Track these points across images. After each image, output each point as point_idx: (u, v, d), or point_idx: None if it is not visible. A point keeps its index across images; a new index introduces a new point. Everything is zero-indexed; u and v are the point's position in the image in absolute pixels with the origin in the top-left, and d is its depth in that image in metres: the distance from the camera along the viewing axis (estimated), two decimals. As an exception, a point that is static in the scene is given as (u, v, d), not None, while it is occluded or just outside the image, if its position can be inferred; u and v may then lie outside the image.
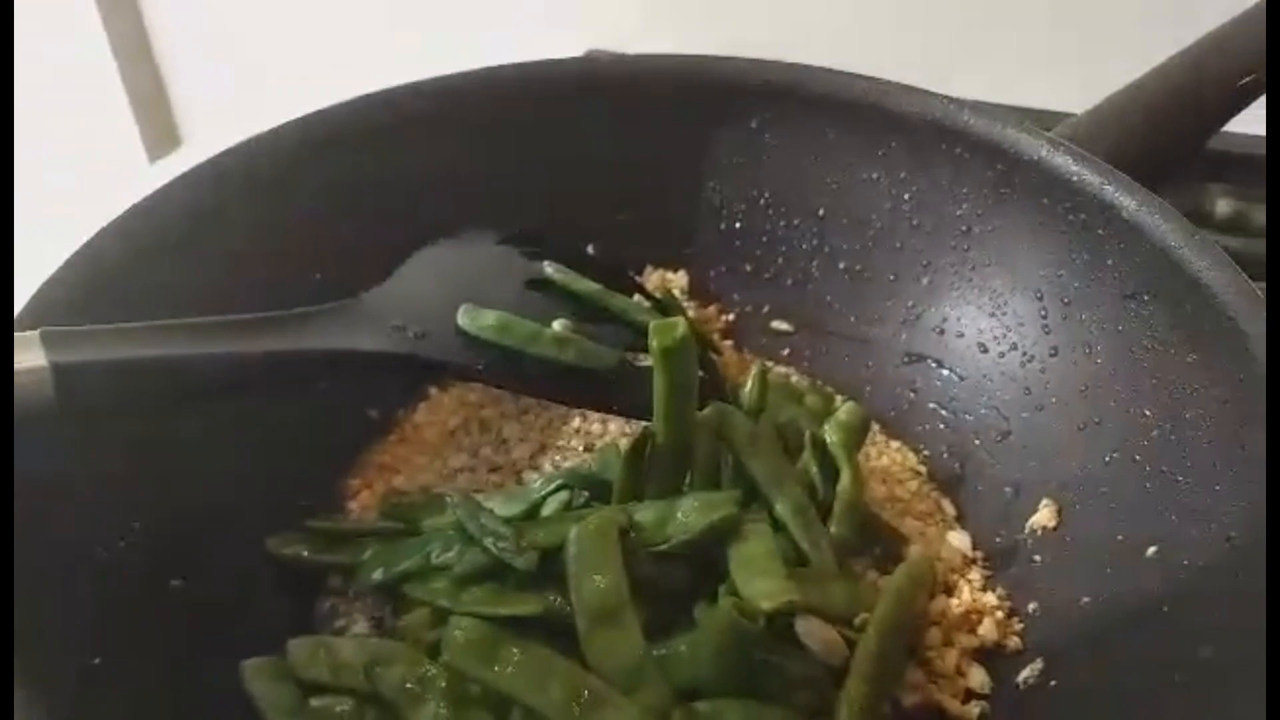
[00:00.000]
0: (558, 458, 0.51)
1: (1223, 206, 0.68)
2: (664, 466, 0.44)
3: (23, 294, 0.43)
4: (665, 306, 0.54)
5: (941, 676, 0.43)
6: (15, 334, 0.39)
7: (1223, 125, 0.56)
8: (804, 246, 0.58)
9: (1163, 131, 0.57)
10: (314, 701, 0.39)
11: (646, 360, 0.44)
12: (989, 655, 0.44)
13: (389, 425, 0.53)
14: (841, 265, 0.57)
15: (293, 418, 0.48)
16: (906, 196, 0.55)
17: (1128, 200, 0.47)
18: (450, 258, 0.51)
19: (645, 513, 0.43)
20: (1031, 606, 0.45)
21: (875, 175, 0.56)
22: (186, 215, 0.48)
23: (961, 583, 0.46)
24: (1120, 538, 0.43)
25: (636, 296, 0.54)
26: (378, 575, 0.43)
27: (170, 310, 0.42)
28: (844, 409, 0.49)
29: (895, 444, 0.53)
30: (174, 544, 0.42)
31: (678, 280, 0.59)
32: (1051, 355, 0.50)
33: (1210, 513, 0.40)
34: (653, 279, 0.59)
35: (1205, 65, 0.56)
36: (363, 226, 0.53)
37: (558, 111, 0.57)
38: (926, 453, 0.53)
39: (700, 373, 0.46)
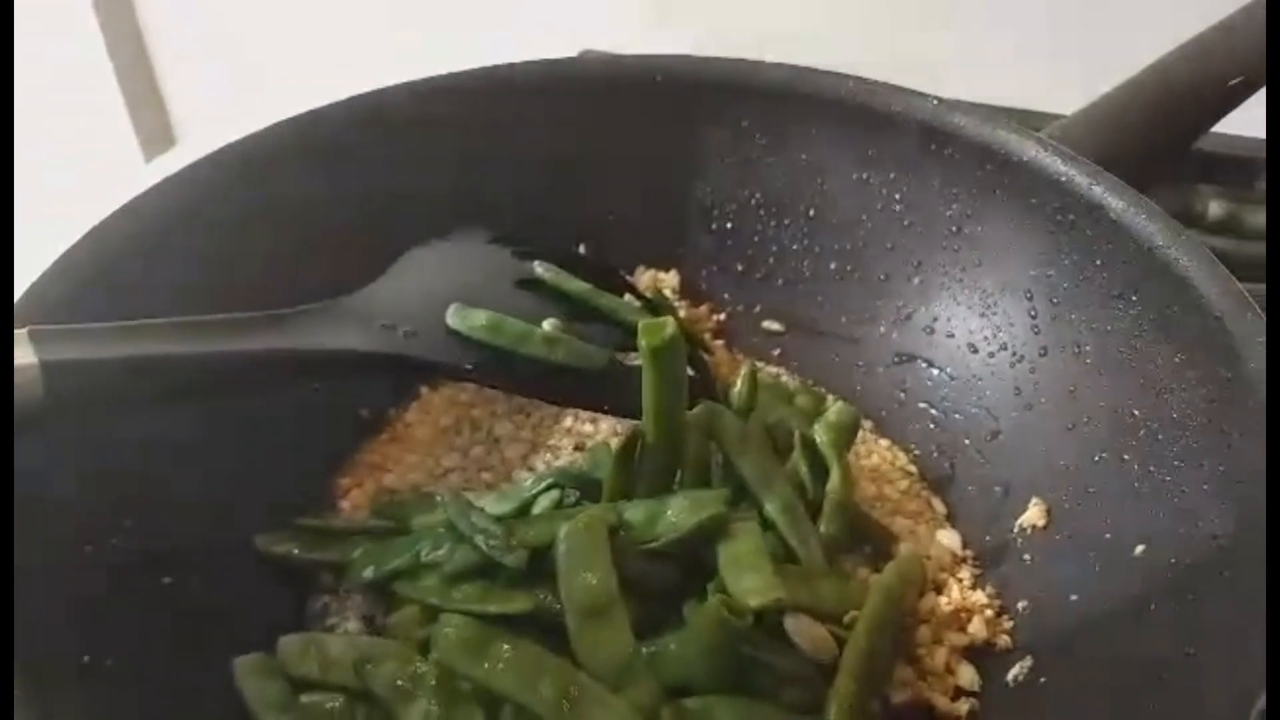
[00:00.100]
0: (549, 457, 0.51)
1: (1214, 208, 0.68)
2: (654, 465, 0.44)
3: (17, 292, 0.43)
4: (655, 306, 0.54)
5: (931, 674, 0.43)
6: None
7: (1211, 126, 0.57)
8: (795, 246, 0.58)
9: (1152, 133, 0.57)
10: (304, 698, 0.39)
11: (637, 360, 0.44)
12: (979, 653, 0.44)
13: (380, 424, 0.53)
14: (832, 265, 0.57)
15: (284, 417, 0.48)
16: (897, 197, 0.55)
17: (1115, 200, 0.47)
18: (440, 257, 0.51)
19: (635, 511, 0.43)
20: (1021, 605, 0.45)
21: (865, 175, 0.56)
22: (178, 214, 0.48)
23: (951, 581, 0.46)
24: (1108, 536, 0.43)
25: (627, 296, 0.54)
26: (368, 573, 0.43)
27: (161, 308, 0.42)
28: (834, 409, 0.49)
29: (885, 443, 0.53)
30: (164, 542, 0.42)
31: (669, 280, 0.59)
32: (1041, 355, 0.50)
33: (1197, 511, 0.40)
34: (644, 279, 0.59)
35: (1195, 67, 0.56)
36: (353, 226, 0.53)
37: (549, 111, 0.57)
38: (917, 452, 0.53)
39: (691, 372, 0.46)
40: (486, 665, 0.38)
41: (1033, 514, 0.47)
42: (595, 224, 0.58)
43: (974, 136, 0.52)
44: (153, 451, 0.43)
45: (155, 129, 0.98)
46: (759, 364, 0.55)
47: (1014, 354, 0.51)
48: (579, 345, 0.48)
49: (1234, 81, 0.54)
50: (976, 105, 0.54)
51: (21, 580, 0.35)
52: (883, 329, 0.56)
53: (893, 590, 0.43)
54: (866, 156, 0.56)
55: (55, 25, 0.93)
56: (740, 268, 0.59)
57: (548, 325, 0.48)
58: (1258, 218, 0.67)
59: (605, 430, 0.52)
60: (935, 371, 0.54)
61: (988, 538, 0.48)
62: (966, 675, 0.43)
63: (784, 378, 0.57)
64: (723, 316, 0.59)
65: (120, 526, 0.41)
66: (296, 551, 0.45)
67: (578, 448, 0.52)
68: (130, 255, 0.46)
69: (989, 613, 0.45)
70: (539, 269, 0.52)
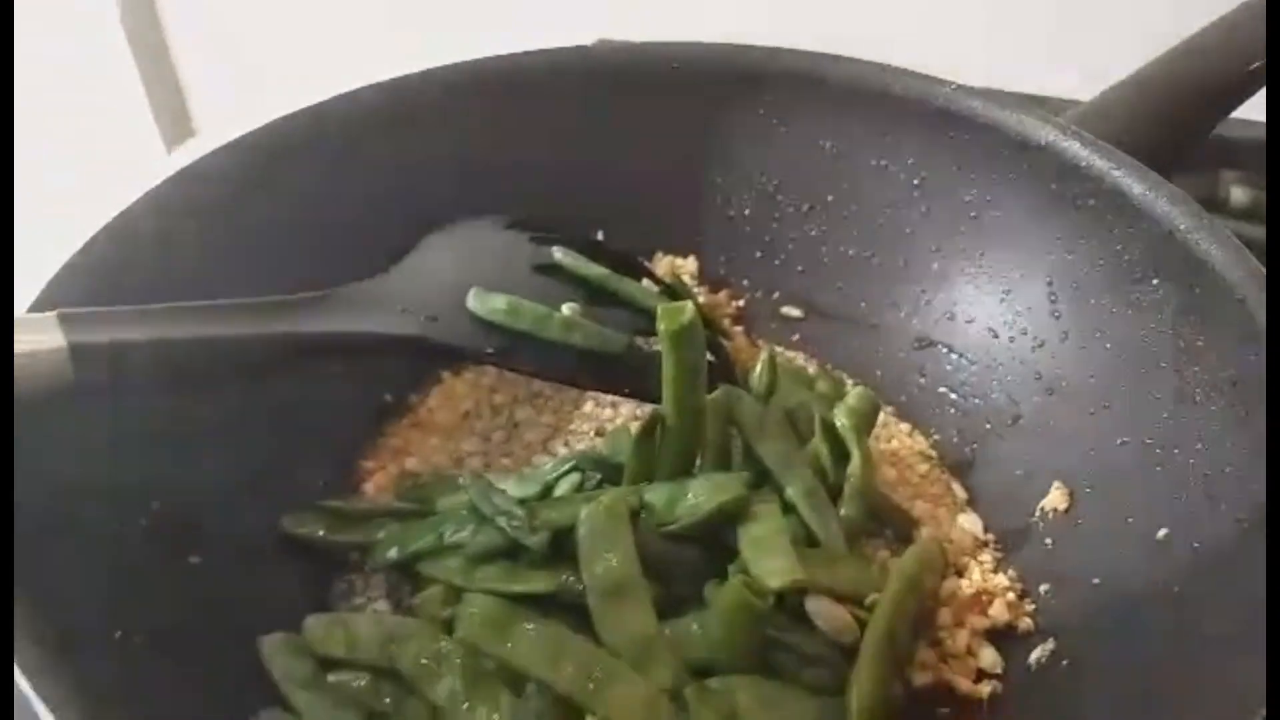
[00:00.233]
0: (570, 440, 0.51)
1: (1236, 194, 0.67)
2: (674, 449, 0.44)
3: (46, 277, 0.43)
4: (674, 291, 0.54)
5: (953, 656, 0.43)
6: (35, 315, 0.39)
7: (1231, 112, 0.56)
8: (813, 233, 0.58)
9: (1172, 118, 0.57)
10: (331, 677, 0.40)
11: (656, 344, 0.44)
12: (1000, 636, 0.44)
13: (402, 409, 0.54)
14: (851, 252, 0.57)
15: (308, 401, 0.49)
16: (915, 182, 0.55)
17: (1136, 184, 0.47)
18: (460, 242, 0.52)
19: (656, 493, 0.43)
20: (1043, 588, 0.45)
21: (884, 162, 0.56)
22: (198, 201, 0.49)
23: (972, 564, 0.46)
24: (1131, 520, 0.43)
25: (646, 281, 0.54)
26: (392, 554, 0.44)
27: (181, 294, 0.43)
28: (854, 394, 0.49)
29: (905, 428, 0.53)
30: (192, 523, 0.43)
31: (687, 266, 0.59)
32: (1062, 340, 0.50)
33: (1221, 494, 0.40)
34: (662, 265, 0.59)
35: (1215, 51, 0.56)
36: (373, 212, 0.53)
37: (567, 98, 0.57)
38: (937, 437, 0.53)
39: (710, 358, 0.46)
40: (510, 644, 0.38)
41: (1054, 498, 0.47)
42: (613, 211, 0.58)
43: (993, 122, 0.52)
44: (180, 434, 0.44)
45: (176, 120, 0.99)
46: (778, 350, 0.55)
47: (1035, 339, 0.51)
48: (597, 329, 0.48)
49: (1254, 66, 0.53)
50: (994, 92, 0.53)
51: (54, 557, 0.36)
52: (902, 314, 0.56)
53: (913, 573, 0.43)
54: (885, 143, 0.56)
55: (80, 20, 0.94)
56: (759, 254, 0.59)
57: (566, 309, 0.49)
58: (1280, 203, 0.67)
59: (625, 415, 0.52)
60: (955, 357, 0.54)
61: (1009, 522, 0.48)
62: (988, 657, 0.43)
63: (801, 363, 0.57)
64: (741, 303, 0.59)
65: (148, 507, 0.41)
66: (322, 533, 0.45)
67: (598, 433, 0.52)
68: (152, 242, 0.46)
69: (1010, 596, 0.45)
70: (557, 254, 0.52)
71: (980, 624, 0.44)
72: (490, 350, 0.47)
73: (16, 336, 0.37)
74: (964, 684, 0.42)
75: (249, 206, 0.50)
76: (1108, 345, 0.48)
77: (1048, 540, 0.46)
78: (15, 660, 0.32)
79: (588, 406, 0.53)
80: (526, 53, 0.57)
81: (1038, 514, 0.47)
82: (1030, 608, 0.45)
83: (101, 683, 0.33)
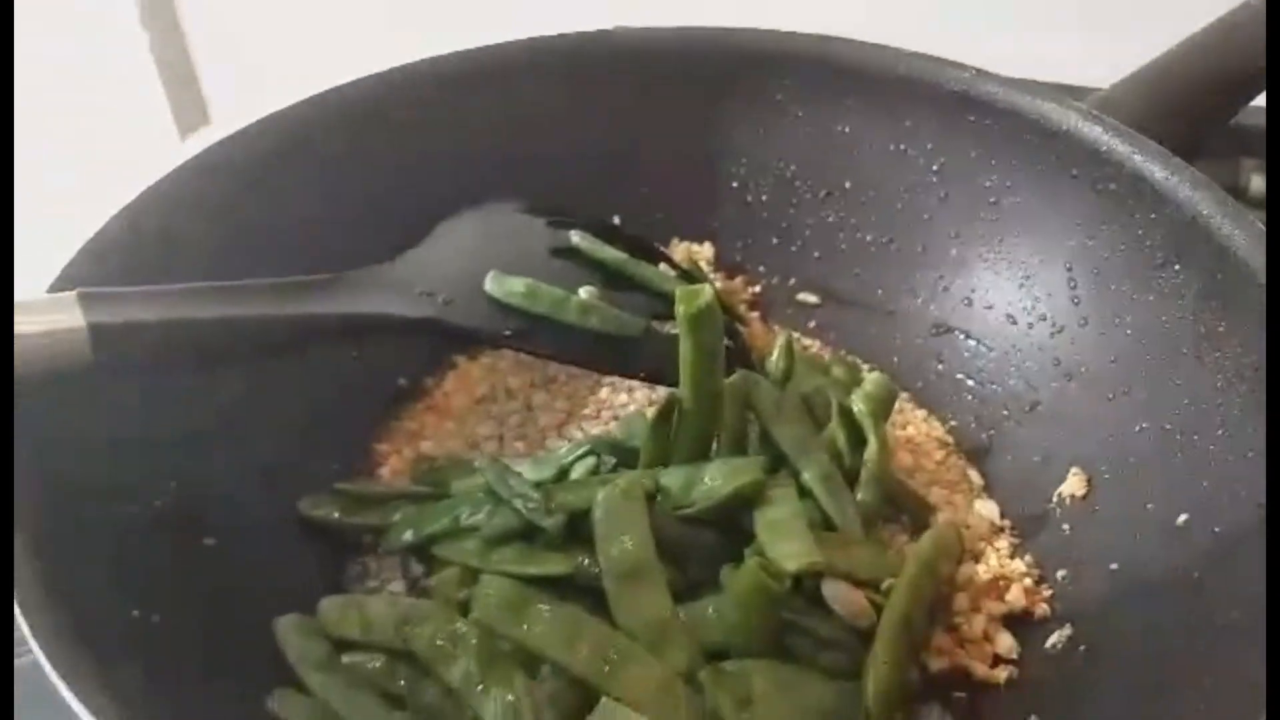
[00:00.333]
0: (584, 425, 0.51)
1: (1257, 182, 0.67)
2: (691, 433, 0.44)
3: (63, 261, 0.43)
4: (691, 276, 0.54)
5: (969, 642, 0.43)
6: (54, 295, 0.39)
7: (1252, 99, 0.56)
8: (830, 219, 0.58)
9: (1192, 105, 0.56)
10: (345, 658, 0.40)
11: (673, 328, 0.44)
12: (1017, 621, 0.44)
13: (418, 393, 0.54)
14: (868, 237, 0.57)
15: (324, 384, 0.49)
16: (934, 168, 0.55)
17: (1158, 169, 0.47)
18: (477, 226, 0.52)
19: (672, 477, 0.43)
20: (1061, 574, 0.45)
21: (902, 147, 0.56)
22: (215, 186, 0.49)
23: (989, 550, 0.46)
24: (1150, 506, 0.43)
25: (662, 266, 0.54)
26: (408, 536, 0.44)
27: (198, 275, 0.43)
28: (870, 380, 0.49)
29: (922, 414, 0.53)
30: (207, 505, 0.43)
31: (703, 252, 0.59)
32: (1081, 325, 0.50)
33: (1243, 480, 0.40)
34: (678, 251, 0.59)
35: (1235, 38, 0.55)
36: (391, 195, 0.53)
37: (583, 83, 0.57)
38: (954, 423, 0.52)
39: (726, 343, 0.46)
40: (526, 626, 0.38)
41: (1072, 484, 0.46)
42: (629, 197, 0.58)
43: (1012, 107, 0.52)
44: (197, 417, 0.44)
45: (191, 108, 0.99)
46: (794, 337, 0.55)
47: (1054, 325, 0.51)
48: (614, 312, 0.48)
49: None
50: (1011, 78, 0.53)
51: (70, 537, 0.36)
52: (920, 301, 0.56)
53: (929, 558, 0.43)
54: (903, 128, 0.55)
55: (98, 12, 0.95)
56: (775, 240, 0.59)
57: (584, 293, 0.49)
58: (1301, 191, 0.66)
59: (640, 401, 0.52)
60: (973, 343, 0.54)
61: (1026, 507, 0.48)
62: (1005, 643, 0.43)
63: (817, 349, 0.56)
64: (758, 289, 0.59)
65: (165, 488, 0.42)
66: (337, 515, 0.46)
67: (614, 418, 0.52)
68: (165, 227, 0.46)
69: (1028, 581, 0.45)
70: (575, 238, 0.52)
71: (997, 609, 0.44)
72: (507, 332, 0.47)
73: (36, 316, 0.37)
74: (980, 669, 0.42)
75: (262, 193, 0.50)
76: (1128, 331, 0.48)
77: (1065, 526, 0.46)
78: (32, 636, 0.32)
79: (602, 392, 0.53)
80: (542, 38, 0.57)
81: (1055, 500, 0.47)
82: (1047, 593, 0.45)
83: (117, 661, 0.33)
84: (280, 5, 0.95)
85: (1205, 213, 0.44)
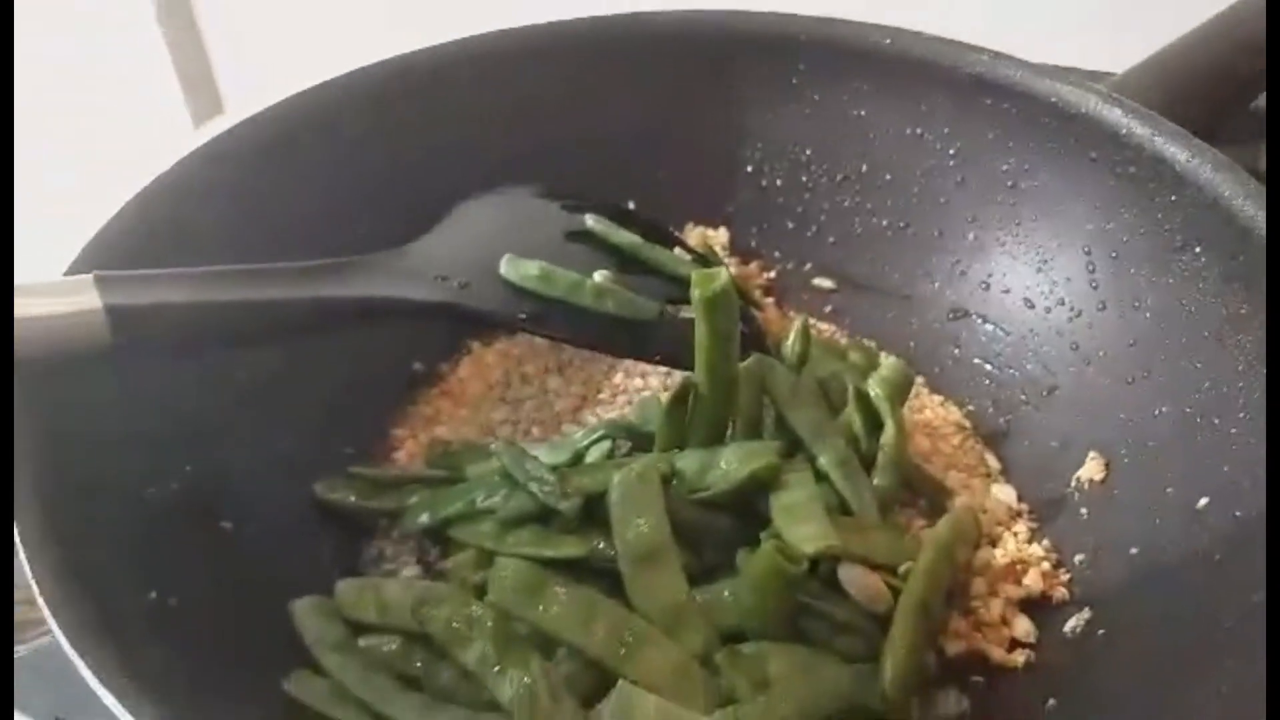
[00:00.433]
0: (599, 410, 0.51)
1: (1275, 166, 0.66)
2: (706, 416, 0.44)
3: (80, 245, 0.43)
4: (706, 260, 0.54)
5: (986, 626, 0.43)
6: (72, 277, 0.39)
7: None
8: (846, 203, 0.58)
9: (1211, 89, 0.56)
10: (362, 641, 0.40)
11: (688, 312, 0.44)
12: (1035, 606, 0.44)
13: (433, 378, 0.54)
14: (884, 222, 0.57)
15: (339, 368, 0.49)
16: (951, 152, 0.55)
17: (1179, 152, 0.46)
18: (492, 210, 0.52)
19: (687, 461, 0.43)
20: (1079, 558, 0.45)
21: (919, 131, 0.55)
22: (234, 168, 0.49)
23: (1006, 534, 0.46)
24: (1170, 490, 0.43)
25: (677, 250, 0.54)
26: (424, 519, 0.44)
27: (212, 259, 0.43)
28: (887, 364, 0.49)
29: (939, 399, 0.53)
30: (224, 488, 0.43)
31: (718, 237, 0.59)
32: (1099, 309, 0.49)
33: (1264, 463, 0.39)
34: (693, 236, 0.59)
35: (1254, 22, 0.54)
36: (405, 180, 0.53)
37: (599, 68, 0.57)
38: (971, 408, 0.52)
39: (742, 326, 0.46)
40: (542, 608, 0.38)
41: (1090, 468, 0.46)
42: (644, 182, 0.58)
43: (1030, 90, 0.51)
44: (214, 402, 0.44)
45: (204, 98, 1.00)
46: (810, 321, 0.54)
47: (1072, 309, 0.50)
48: (629, 296, 0.48)
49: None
50: (1028, 61, 0.52)
51: (88, 518, 0.36)
52: (936, 285, 0.55)
53: (947, 542, 0.43)
54: (919, 111, 0.55)
55: (116, 10, 0.96)
56: (791, 225, 0.59)
57: (599, 276, 0.49)
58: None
59: (655, 385, 0.52)
60: (990, 327, 0.53)
61: (1044, 492, 0.48)
62: (1022, 627, 0.43)
63: (834, 334, 0.56)
64: (773, 274, 0.59)
65: (181, 471, 0.42)
66: (353, 499, 0.46)
67: (628, 403, 0.52)
68: (180, 212, 0.46)
69: (1045, 565, 0.45)
70: (590, 221, 0.52)
71: (1014, 593, 0.44)
72: (523, 316, 0.47)
73: (53, 298, 0.38)
74: (997, 653, 0.42)
75: (274, 179, 0.50)
76: (1147, 314, 0.47)
77: (1083, 510, 0.46)
78: (52, 619, 0.32)
79: (617, 377, 0.53)
80: (558, 22, 0.57)
81: (1073, 484, 0.47)
82: (1065, 577, 0.44)
83: (136, 643, 0.33)
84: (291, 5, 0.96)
85: (1228, 195, 0.44)
